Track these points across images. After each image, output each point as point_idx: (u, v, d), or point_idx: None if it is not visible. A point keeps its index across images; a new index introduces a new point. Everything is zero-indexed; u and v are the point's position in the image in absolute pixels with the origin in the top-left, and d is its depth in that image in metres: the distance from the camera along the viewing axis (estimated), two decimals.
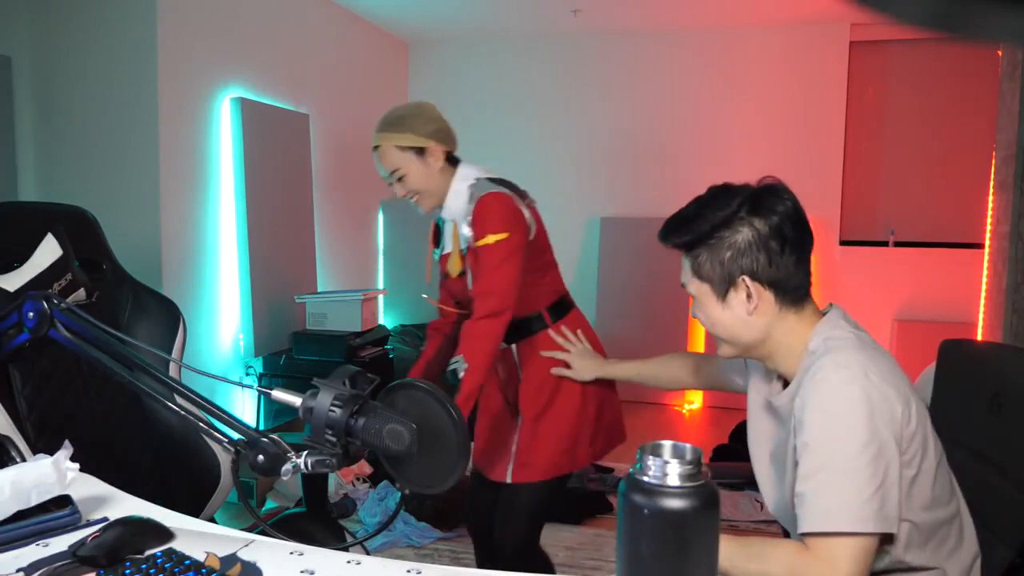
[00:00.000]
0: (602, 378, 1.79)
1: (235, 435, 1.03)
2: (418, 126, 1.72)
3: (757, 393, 1.33)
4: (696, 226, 1.18)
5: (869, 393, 1.05)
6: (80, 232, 1.76)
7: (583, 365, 1.78)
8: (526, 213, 1.71)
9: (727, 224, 1.15)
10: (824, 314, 1.20)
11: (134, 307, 1.88)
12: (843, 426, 1.05)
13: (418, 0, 4.37)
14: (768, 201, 1.15)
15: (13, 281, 1.49)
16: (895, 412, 1.06)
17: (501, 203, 1.66)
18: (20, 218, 1.79)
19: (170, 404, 1.06)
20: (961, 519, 1.17)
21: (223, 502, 1.81)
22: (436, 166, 1.74)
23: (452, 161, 1.79)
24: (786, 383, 1.22)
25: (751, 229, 1.14)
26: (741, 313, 1.17)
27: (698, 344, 4.87)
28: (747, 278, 1.15)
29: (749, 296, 1.16)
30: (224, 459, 1.77)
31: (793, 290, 1.17)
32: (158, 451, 1.79)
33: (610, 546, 2.74)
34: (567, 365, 1.79)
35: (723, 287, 1.17)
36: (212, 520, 1.55)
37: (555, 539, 2.74)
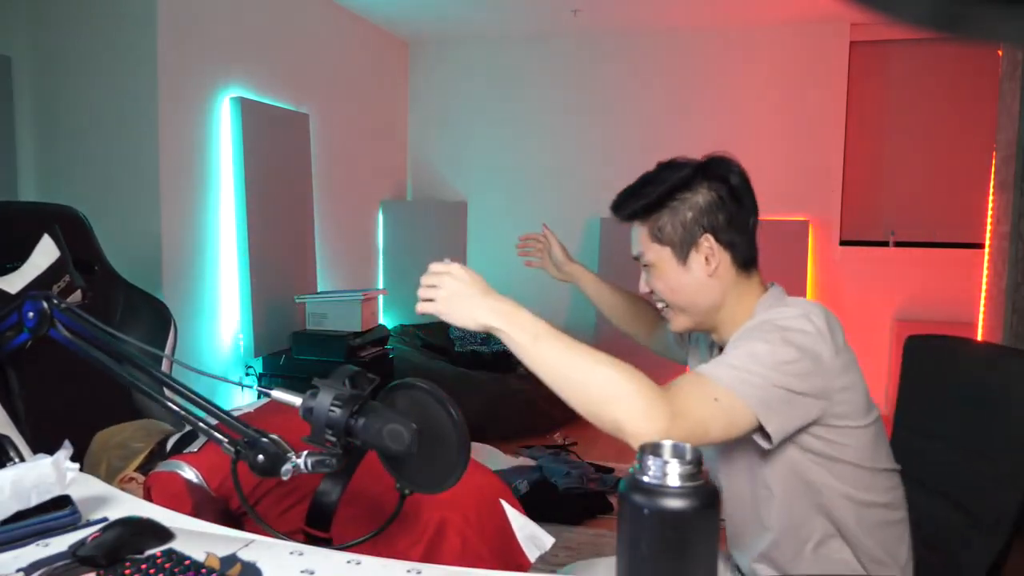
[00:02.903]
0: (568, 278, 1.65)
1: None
2: None
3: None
4: (653, 190, 1.20)
5: (812, 322, 1.08)
6: (72, 232, 1.76)
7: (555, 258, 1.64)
8: None
9: (686, 186, 1.18)
10: (769, 287, 1.24)
11: (126, 308, 1.88)
12: (778, 337, 1.06)
13: (418, 0, 4.37)
14: (721, 168, 1.19)
15: (13, 282, 1.49)
16: (828, 350, 1.08)
17: None
18: (11, 218, 1.79)
19: (171, 405, 1.06)
20: (905, 522, 1.19)
21: None
22: None
23: None
24: None
25: (709, 191, 1.18)
26: (701, 275, 1.19)
27: None
28: (710, 237, 1.18)
29: (708, 258, 1.18)
30: None
31: (747, 255, 1.20)
32: None
33: (610, 546, 2.73)
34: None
35: (684, 248, 1.19)
36: None
37: (555, 539, 2.74)
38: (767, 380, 1.03)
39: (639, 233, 1.23)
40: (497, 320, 1.02)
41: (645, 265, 1.24)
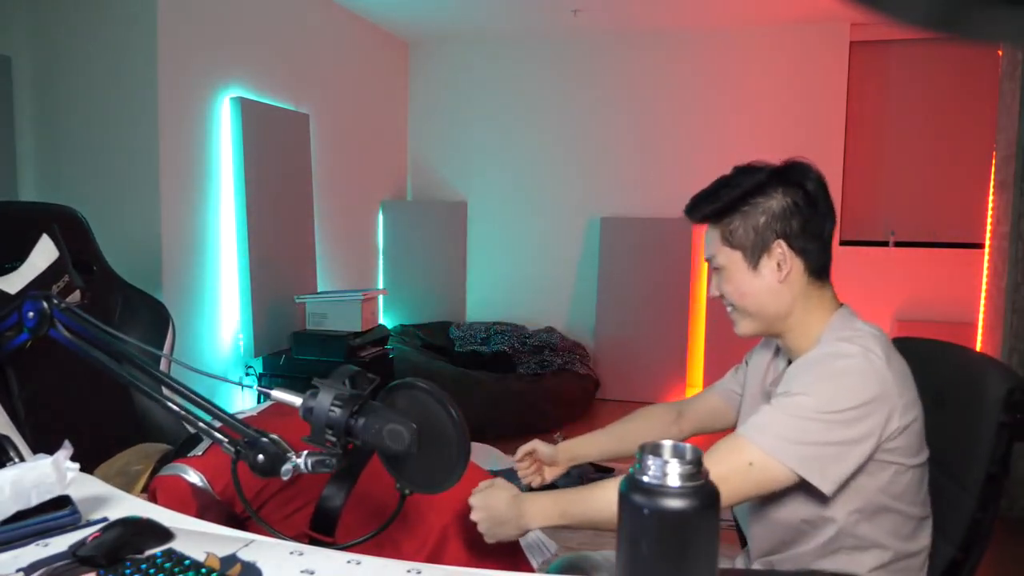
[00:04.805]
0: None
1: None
2: None
3: (754, 387, 1.33)
4: (727, 193, 1.18)
5: (872, 363, 1.08)
6: (71, 233, 1.76)
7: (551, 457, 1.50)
8: None
9: (760, 191, 1.17)
10: (840, 306, 1.22)
11: (124, 309, 1.88)
12: (835, 384, 1.07)
13: (418, 0, 4.37)
14: (798, 173, 1.17)
15: (13, 282, 1.49)
16: (888, 390, 1.07)
17: None
18: (11, 218, 1.79)
19: (171, 405, 1.06)
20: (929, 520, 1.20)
21: None
22: None
23: None
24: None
25: (784, 196, 1.16)
26: (772, 281, 1.18)
27: (698, 342, 4.87)
28: (782, 242, 1.16)
29: (780, 264, 1.17)
30: None
31: (820, 263, 1.19)
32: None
33: (610, 546, 2.72)
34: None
35: (756, 253, 1.18)
36: None
37: (555, 539, 2.74)
38: (816, 438, 1.05)
39: (712, 236, 1.22)
40: (531, 524, 1.16)
41: (716, 268, 1.23)
